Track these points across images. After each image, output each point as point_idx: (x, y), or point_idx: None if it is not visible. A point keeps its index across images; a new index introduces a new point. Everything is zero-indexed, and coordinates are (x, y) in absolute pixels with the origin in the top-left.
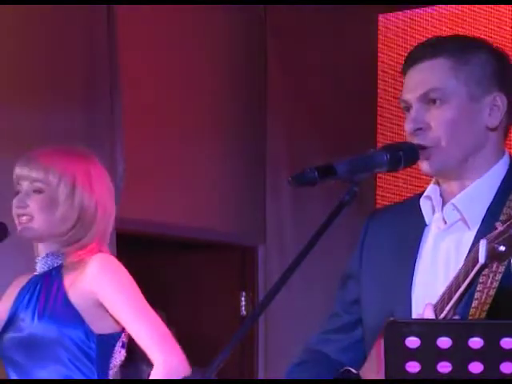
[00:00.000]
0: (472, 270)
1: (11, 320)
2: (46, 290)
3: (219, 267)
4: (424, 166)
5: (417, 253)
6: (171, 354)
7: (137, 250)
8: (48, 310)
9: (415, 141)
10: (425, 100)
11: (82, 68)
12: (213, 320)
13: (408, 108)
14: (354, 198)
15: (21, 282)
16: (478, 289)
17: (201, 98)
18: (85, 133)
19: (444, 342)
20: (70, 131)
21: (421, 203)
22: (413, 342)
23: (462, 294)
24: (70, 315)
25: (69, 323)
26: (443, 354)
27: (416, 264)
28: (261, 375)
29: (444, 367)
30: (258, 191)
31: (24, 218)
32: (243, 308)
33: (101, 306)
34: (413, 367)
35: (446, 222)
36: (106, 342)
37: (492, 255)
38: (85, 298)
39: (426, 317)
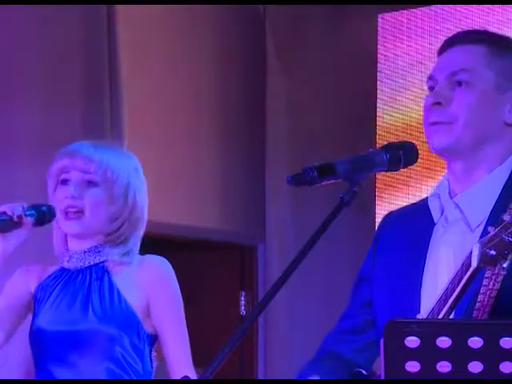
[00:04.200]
0: (465, 274)
1: (44, 311)
2: (99, 288)
3: (219, 266)
4: (433, 141)
5: (426, 252)
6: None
7: None
8: (106, 309)
9: (431, 117)
10: (452, 79)
11: (82, 68)
12: (212, 319)
13: (433, 87)
14: (354, 197)
15: (33, 271)
16: (481, 291)
17: (201, 98)
18: (85, 133)
19: (444, 342)
20: (70, 131)
21: (429, 201)
22: (412, 341)
23: (457, 298)
24: (128, 315)
25: (128, 323)
26: (443, 354)
27: (426, 263)
28: (261, 375)
29: (444, 367)
30: (258, 191)
31: (73, 209)
32: (243, 307)
33: (149, 306)
34: (412, 367)
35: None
36: (151, 342)
37: (484, 259)
38: (140, 298)
39: None
